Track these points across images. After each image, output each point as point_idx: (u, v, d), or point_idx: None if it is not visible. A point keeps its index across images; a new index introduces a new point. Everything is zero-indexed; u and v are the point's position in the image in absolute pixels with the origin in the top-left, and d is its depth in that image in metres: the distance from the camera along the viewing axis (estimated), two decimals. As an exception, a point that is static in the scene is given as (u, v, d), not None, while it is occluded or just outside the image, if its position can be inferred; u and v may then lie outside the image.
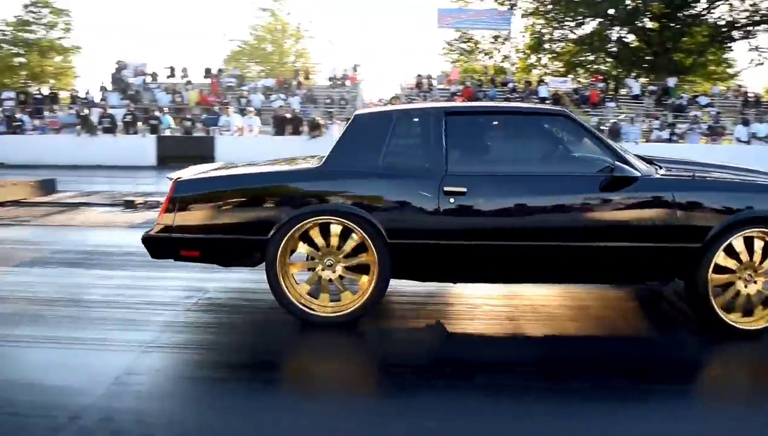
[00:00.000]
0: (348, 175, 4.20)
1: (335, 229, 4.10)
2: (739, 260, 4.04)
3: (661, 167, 4.47)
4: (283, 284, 4.16)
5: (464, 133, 4.40)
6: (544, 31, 36.20)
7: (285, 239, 4.09)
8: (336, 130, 19.43)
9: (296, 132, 18.77)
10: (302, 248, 4.23)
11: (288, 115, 19.44)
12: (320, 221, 4.11)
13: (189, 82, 27.37)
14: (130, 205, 9.23)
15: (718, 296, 4.08)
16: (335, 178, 4.20)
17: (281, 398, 3.37)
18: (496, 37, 39.57)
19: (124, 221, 8.22)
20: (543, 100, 24.41)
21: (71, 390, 3.33)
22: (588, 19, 33.44)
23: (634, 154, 4.48)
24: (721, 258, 4.01)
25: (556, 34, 35.99)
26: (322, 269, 4.18)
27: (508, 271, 4.32)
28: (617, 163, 4.03)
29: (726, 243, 4.00)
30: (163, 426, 2.99)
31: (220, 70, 29.70)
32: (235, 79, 28.73)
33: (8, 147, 18.27)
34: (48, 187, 10.63)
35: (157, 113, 19.71)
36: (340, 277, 4.21)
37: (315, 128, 18.34)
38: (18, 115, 21.27)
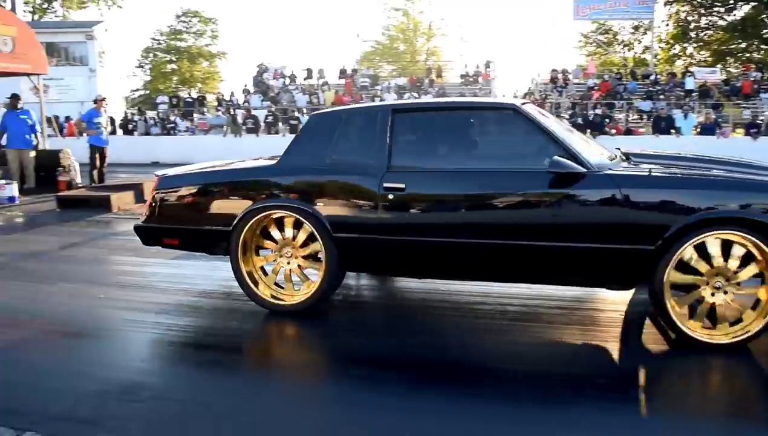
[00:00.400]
0: (298, 172, 4.40)
1: (288, 222, 4.36)
2: (704, 266, 3.62)
3: (636, 164, 4.21)
4: (244, 273, 4.47)
5: (410, 130, 4.41)
6: (689, 18, 34.01)
7: (243, 231, 4.39)
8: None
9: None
10: (268, 242, 4.51)
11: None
12: (275, 215, 4.38)
13: (325, 83, 28.24)
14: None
15: (680, 303, 3.73)
16: (287, 175, 4.41)
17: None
18: (636, 27, 37.74)
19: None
20: (689, 92, 22.91)
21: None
22: (740, 4, 30.99)
23: (605, 150, 4.38)
24: (679, 262, 3.62)
25: (703, 21, 33.74)
26: (285, 261, 4.45)
27: (445, 267, 4.25)
28: (556, 157, 3.73)
29: (685, 246, 3.59)
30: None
31: (354, 71, 30.37)
32: (369, 79, 29.29)
33: (162, 147, 19.67)
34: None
35: (295, 113, 20.41)
36: (299, 266, 4.45)
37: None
38: (171, 118, 22.89)
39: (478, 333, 4.14)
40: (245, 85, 28.78)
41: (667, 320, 3.74)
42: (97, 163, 11.63)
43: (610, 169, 3.86)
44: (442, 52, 48.00)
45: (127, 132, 22.79)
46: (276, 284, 4.55)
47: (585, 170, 3.75)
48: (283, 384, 3.49)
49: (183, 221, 4.73)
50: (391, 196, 4.06)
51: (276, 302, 4.48)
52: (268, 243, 4.51)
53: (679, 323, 3.67)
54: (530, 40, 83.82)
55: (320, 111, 5.13)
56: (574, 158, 3.78)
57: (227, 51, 54.59)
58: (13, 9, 34.14)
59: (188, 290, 5.17)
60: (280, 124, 20.68)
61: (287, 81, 29.00)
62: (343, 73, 29.68)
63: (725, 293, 3.61)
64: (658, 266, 3.63)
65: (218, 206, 4.55)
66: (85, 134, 12.73)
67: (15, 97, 11.46)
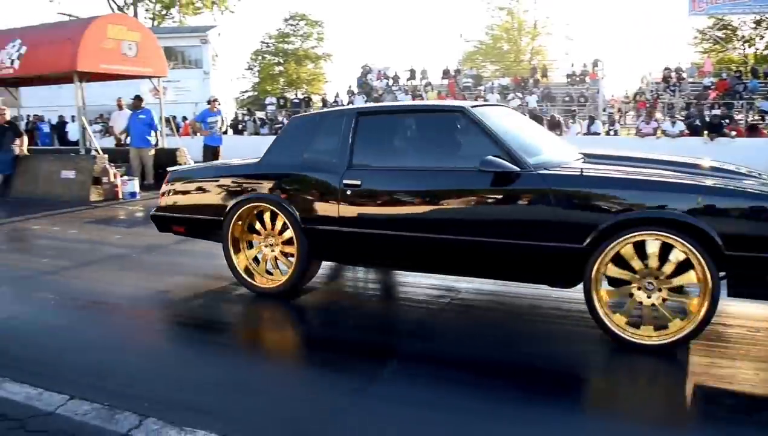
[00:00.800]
0: (275, 168, 4.90)
1: (267, 215, 4.89)
2: (631, 267, 3.67)
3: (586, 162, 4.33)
4: (233, 258, 5.05)
5: (371, 130, 4.69)
6: (818, 11, 31.49)
7: (231, 221, 4.98)
8: (576, 129, 18.66)
9: (535, 131, 18.29)
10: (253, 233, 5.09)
11: (525, 115, 19.03)
12: (255, 208, 4.94)
13: (428, 84, 28.23)
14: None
15: (609, 302, 3.81)
16: (265, 172, 4.93)
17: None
18: (758, 22, 35.38)
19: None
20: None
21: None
22: None
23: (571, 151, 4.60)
24: (607, 261, 3.69)
25: (834, 14, 31.13)
26: (266, 248, 5.00)
27: (397, 258, 4.65)
28: (488, 157, 3.89)
29: (614, 244, 3.64)
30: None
31: (457, 71, 30.20)
32: (472, 80, 29.01)
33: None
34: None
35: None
36: (283, 253, 4.92)
37: (554, 127, 17.76)
38: (279, 118, 23.56)
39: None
40: (349, 87, 29.24)
41: (594, 316, 3.80)
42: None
43: (545, 169, 3.94)
44: (548, 51, 46.85)
45: (237, 132, 23.64)
46: (267, 272, 5.11)
47: (518, 169, 3.89)
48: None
49: (187, 211, 5.42)
50: (348, 192, 4.46)
51: (260, 284, 5.03)
52: (259, 235, 5.03)
53: (605, 321, 3.76)
54: (641, 38, 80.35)
55: (299, 114, 5.63)
56: (511, 158, 3.93)
57: (332, 53, 55.56)
58: (135, 16, 36.31)
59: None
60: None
61: (390, 82, 29.22)
62: (446, 73, 29.57)
63: (653, 295, 3.65)
64: (587, 264, 3.71)
65: (213, 198, 5.16)
66: (199, 134, 13.32)
67: (138, 99, 12.14)
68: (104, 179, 10.88)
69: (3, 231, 8.40)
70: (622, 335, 3.71)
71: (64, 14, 36.56)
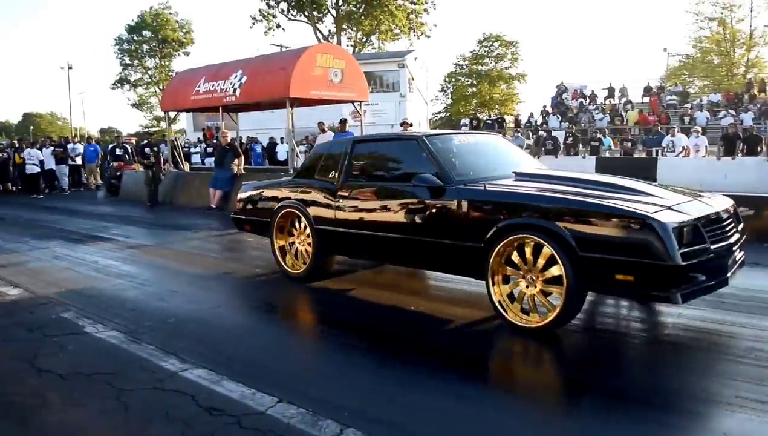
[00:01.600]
0: (299, 184, 6.62)
1: (293, 218, 6.61)
2: (516, 262, 4.55)
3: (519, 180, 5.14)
4: (276, 251, 6.78)
5: (361, 155, 6.14)
6: None
7: (275, 222, 6.71)
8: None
9: (751, 152, 16.61)
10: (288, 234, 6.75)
11: (740, 134, 17.34)
12: (286, 212, 6.61)
13: (628, 102, 26.88)
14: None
15: (502, 291, 4.67)
16: (293, 186, 6.68)
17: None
18: None
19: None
20: None
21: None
22: None
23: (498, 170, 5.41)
24: (498, 256, 4.60)
25: None
26: (298, 244, 6.59)
27: (370, 252, 6.11)
28: (422, 175, 5.08)
29: (501, 245, 4.55)
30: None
31: (660, 88, 28.47)
32: (677, 97, 27.17)
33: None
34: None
35: (597, 135, 19.72)
36: (306, 251, 6.46)
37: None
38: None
39: None
40: (543, 106, 28.71)
41: (493, 304, 4.71)
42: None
43: (464, 184, 5.00)
44: (766, 63, 42.51)
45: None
46: (294, 258, 6.66)
47: (443, 185, 5.02)
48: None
49: (250, 214, 7.26)
50: (340, 202, 5.94)
51: (291, 271, 6.60)
52: (292, 232, 6.68)
53: (499, 308, 4.68)
54: None
55: (321, 143, 7.46)
56: (442, 176, 5.08)
57: (527, 73, 54.96)
58: (338, 44, 38.68)
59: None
60: (580, 145, 20.11)
61: (587, 101, 28.25)
62: (647, 90, 28.03)
63: (532, 287, 4.51)
64: (485, 260, 4.66)
65: (263, 206, 7.01)
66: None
67: (343, 122, 12.91)
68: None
69: (222, 242, 9.32)
70: (514, 320, 4.60)
71: (276, 45, 40.07)
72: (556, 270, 4.32)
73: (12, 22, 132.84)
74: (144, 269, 7.65)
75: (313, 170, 6.50)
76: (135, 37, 54.83)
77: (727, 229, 4.49)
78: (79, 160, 21.29)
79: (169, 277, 7.29)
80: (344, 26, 44.53)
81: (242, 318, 5.44)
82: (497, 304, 4.67)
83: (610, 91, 28.79)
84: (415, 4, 43.14)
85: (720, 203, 4.70)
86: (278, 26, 44.18)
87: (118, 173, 17.98)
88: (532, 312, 4.54)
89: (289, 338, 4.83)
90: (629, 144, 20.06)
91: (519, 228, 4.50)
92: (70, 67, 51.97)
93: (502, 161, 5.84)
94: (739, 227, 4.81)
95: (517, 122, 28.89)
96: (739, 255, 4.67)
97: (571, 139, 19.78)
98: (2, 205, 16.22)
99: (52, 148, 20.40)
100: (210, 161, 18.99)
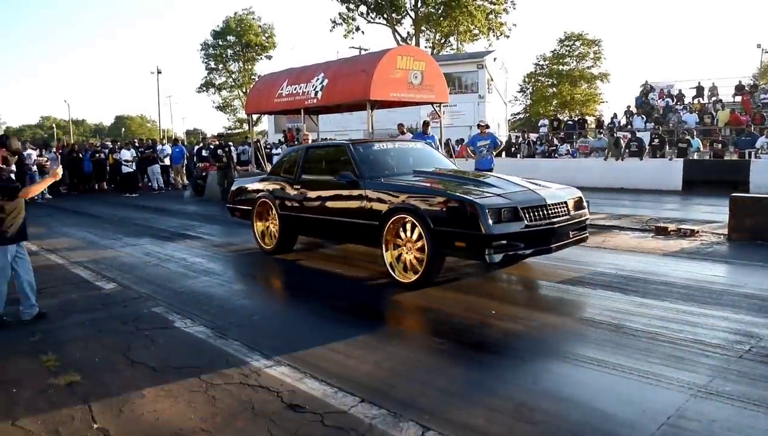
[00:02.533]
0: (271, 179, 8.43)
1: (267, 207, 8.30)
2: (401, 236, 6.28)
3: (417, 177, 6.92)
4: (257, 232, 8.57)
5: (311, 157, 8.01)
6: None
7: (254, 210, 8.49)
8: None
9: None
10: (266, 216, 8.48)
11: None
12: (262, 202, 8.36)
13: (718, 102, 25.66)
14: (662, 231, 8.97)
15: (392, 256, 6.39)
16: (267, 181, 8.47)
17: None
18: None
19: (657, 248, 8.01)
20: None
21: (622, 421, 3.29)
22: None
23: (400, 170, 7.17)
24: (388, 231, 6.35)
25: None
26: (271, 226, 8.34)
27: (314, 231, 7.99)
28: (342, 172, 6.95)
29: (389, 222, 6.31)
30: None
31: (753, 86, 27.04)
32: (774, 96, 25.70)
33: (543, 169, 20.02)
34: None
35: (685, 136, 18.93)
36: (275, 231, 8.26)
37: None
38: (555, 141, 23.27)
39: None
40: (628, 107, 27.80)
41: (387, 266, 6.40)
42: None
43: (370, 179, 6.77)
44: None
45: (510, 154, 23.83)
46: (269, 237, 8.43)
47: (356, 179, 6.81)
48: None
49: (240, 204, 9.08)
50: (295, 193, 7.79)
51: (265, 247, 8.44)
52: (267, 217, 8.43)
53: (389, 270, 6.38)
54: None
55: (293, 146, 9.55)
56: (356, 174, 6.88)
57: (609, 72, 53.43)
58: (417, 46, 38.70)
59: (575, 316, 5.10)
60: (666, 147, 19.34)
61: (673, 100, 27.16)
62: (739, 89, 26.68)
63: (410, 253, 6.19)
64: (381, 234, 6.36)
65: (246, 198, 8.85)
66: (467, 159, 13.65)
67: (426, 124, 12.90)
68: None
69: (300, 240, 9.47)
70: (399, 278, 6.31)
71: (355, 48, 40.48)
72: (421, 241, 6.00)
73: (108, 31, 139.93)
74: (228, 267, 7.89)
75: (281, 169, 8.50)
76: (220, 42, 56.57)
77: (551, 213, 5.99)
78: (167, 161, 22.21)
79: (252, 274, 7.49)
80: (423, 28, 44.50)
81: (324, 316, 5.52)
82: (388, 266, 6.43)
83: (699, 90, 27.53)
84: (494, 4, 42.66)
85: (555, 196, 6.25)
86: (357, 29, 44.66)
87: (203, 174, 18.61)
88: (409, 271, 6.23)
89: (380, 340, 4.86)
90: (719, 145, 19.16)
91: (399, 210, 6.22)
92: (159, 72, 54.12)
93: (411, 163, 7.57)
94: (574, 213, 6.36)
95: (599, 123, 28.10)
96: (572, 233, 6.32)
97: (657, 140, 19.05)
98: (98, 204, 17.08)
99: (132, 150, 21.39)
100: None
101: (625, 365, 4.01)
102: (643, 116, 25.63)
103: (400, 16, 44.41)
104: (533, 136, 26.34)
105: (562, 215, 6.12)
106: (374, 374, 4.04)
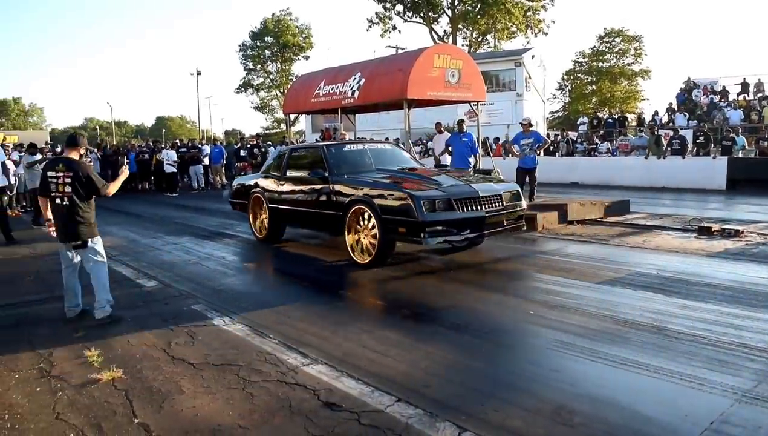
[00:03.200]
0: (260, 176, 9.69)
1: (260, 201, 9.45)
2: (360, 223, 7.37)
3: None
4: (252, 223, 9.83)
5: (294, 157, 9.23)
6: None
7: (249, 203, 9.76)
8: None
9: None
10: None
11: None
12: (255, 196, 9.59)
13: (765, 98, 24.95)
14: (705, 231, 8.77)
15: (352, 240, 7.50)
16: (260, 178, 9.59)
17: None
18: None
19: (700, 249, 7.83)
20: None
21: (664, 425, 3.22)
22: None
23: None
24: (350, 220, 7.46)
25: None
26: (264, 218, 9.48)
27: (295, 221, 9.02)
28: (315, 169, 8.19)
29: (351, 211, 7.42)
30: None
31: (803, 82, 26.18)
32: (824, 91, 24.88)
33: (582, 168, 19.78)
34: (622, 208, 10.97)
35: (730, 133, 18.46)
36: (266, 222, 9.44)
37: None
38: (596, 139, 22.92)
39: None
40: (669, 104, 27.23)
41: (348, 250, 7.48)
42: (524, 184, 12.12)
43: (337, 175, 7.90)
44: None
45: (548, 153, 23.54)
46: (262, 228, 9.61)
47: (327, 176, 7.95)
48: None
49: (238, 198, 10.26)
50: (280, 188, 8.93)
51: (258, 236, 9.63)
52: (259, 210, 9.62)
53: (350, 252, 7.48)
54: None
55: (277, 149, 12.67)
56: (327, 171, 8.02)
57: (651, 68, 52.38)
58: (454, 44, 38.50)
59: (615, 317, 5.02)
60: (711, 145, 18.88)
61: (717, 97, 26.49)
62: (786, 85, 25.88)
63: (367, 238, 7.26)
64: (343, 222, 7.47)
65: (244, 192, 9.99)
66: (511, 156, 13.53)
67: (461, 123, 12.83)
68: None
69: (338, 240, 9.49)
70: (357, 259, 7.36)
71: (392, 47, 40.47)
72: (375, 229, 7.08)
73: (148, 33, 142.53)
74: (266, 265, 7.98)
75: (271, 167, 9.65)
76: (258, 43, 57.11)
77: (483, 204, 6.99)
78: (206, 161, 22.55)
79: (290, 274, 7.55)
80: (460, 26, 44.20)
81: (363, 315, 5.53)
82: (349, 248, 7.51)
83: (744, 87, 26.76)
84: (532, 0, 42.18)
85: (490, 189, 7.28)
86: (394, 28, 44.55)
87: (242, 173, 18.84)
88: (365, 253, 7.30)
89: (418, 340, 4.85)
90: (765, 143, 18.64)
91: (358, 202, 7.31)
92: (198, 74, 54.81)
93: (378, 162, 8.54)
94: (508, 204, 7.32)
95: (640, 121, 27.58)
96: (507, 222, 7.33)
97: (702, 138, 18.61)
98: (139, 203, 17.42)
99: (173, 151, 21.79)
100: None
101: (667, 368, 3.94)
102: (686, 114, 25.06)
103: (436, 15, 44.19)
104: (572, 134, 25.98)
105: (496, 206, 7.12)
106: (410, 374, 4.03)
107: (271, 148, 20.05)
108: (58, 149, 19.24)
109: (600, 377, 3.91)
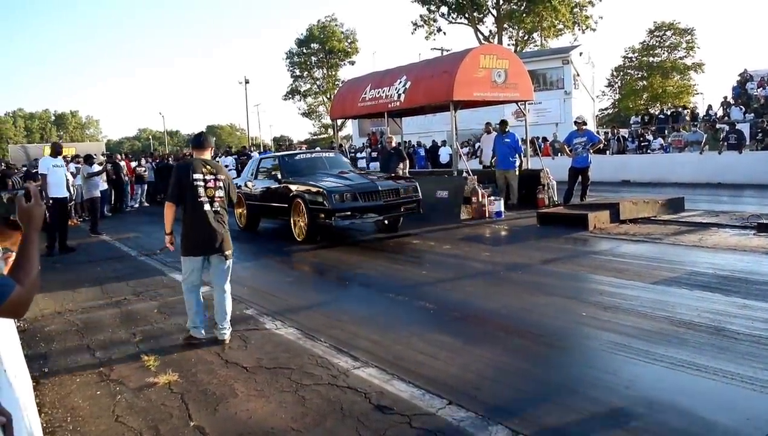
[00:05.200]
0: (244, 180, 11.83)
1: (240, 199, 11.39)
2: (297, 211, 9.87)
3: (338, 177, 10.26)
4: (236, 215, 11.92)
5: (262, 164, 11.68)
6: None
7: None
8: None
9: None
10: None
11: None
12: (239, 196, 10.96)
13: (827, 89, 23.99)
14: (764, 228, 8.45)
15: (295, 224, 9.99)
16: (243, 181, 11.80)
17: None
18: None
19: (759, 246, 7.54)
20: None
21: (725, 429, 3.13)
22: None
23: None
24: (292, 209, 9.94)
25: None
26: (243, 211, 11.94)
27: (261, 214, 11.42)
28: (274, 173, 10.84)
29: (293, 203, 9.88)
30: None
31: None
32: None
33: (634, 166, 19.35)
34: (676, 205, 10.68)
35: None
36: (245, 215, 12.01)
37: None
38: (647, 136, 22.40)
39: None
40: (724, 98, 26.41)
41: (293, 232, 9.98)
42: (575, 183, 11.94)
43: (288, 178, 10.31)
44: None
45: (599, 151, 23.09)
46: (243, 220, 12.02)
47: (281, 178, 10.46)
48: None
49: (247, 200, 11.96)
50: (251, 189, 11.52)
51: (240, 226, 11.75)
52: (241, 205, 11.79)
53: (294, 232, 9.93)
54: None
55: (257, 156, 15.67)
56: (283, 176, 10.44)
57: (704, 62, 50.90)
58: (499, 44, 38.18)
59: (671, 318, 4.89)
60: (768, 139, 18.22)
61: (775, 89, 25.56)
62: None
63: (303, 222, 9.82)
64: (289, 212, 10.00)
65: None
66: (563, 155, 13.33)
67: (504, 123, 12.72)
68: (473, 199, 11.60)
69: (389, 244, 9.55)
70: (297, 238, 9.79)
71: (437, 49, 40.36)
72: (306, 216, 9.49)
73: (198, 45, 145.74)
74: (315, 270, 8.03)
75: (249, 172, 11.91)
76: (304, 50, 57.71)
77: (382, 195, 9.47)
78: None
79: (337, 278, 7.59)
80: (505, 25, 43.77)
81: (412, 318, 5.52)
82: (294, 231, 9.87)
83: (804, 77, 25.81)
84: (579, -3, 41.49)
85: (389, 185, 9.78)
86: (439, 30, 44.43)
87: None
88: (301, 234, 9.71)
89: (461, 341, 4.82)
90: (828, 136, 17.90)
91: (296, 196, 9.72)
92: (247, 82, 55.66)
93: (322, 166, 10.88)
94: (404, 196, 9.74)
95: (694, 116, 26.82)
96: (403, 208, 9.80)
97: (760, 133, 17.96)
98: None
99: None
100: (374, 166, 19.54)
101: (727, 369, 3.82)
102: (742, 107, 24.26)
103: (481, 15, 43.88)
104: (623, 131, 25.45)
105: (392, 197, 9.63)
106: (461, 377, 4.01)
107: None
108: (101, 158, 19.67)
109: (657, 380, 3.81)
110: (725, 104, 25.51)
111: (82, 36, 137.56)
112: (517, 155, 12.66)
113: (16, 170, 15.42)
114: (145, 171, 20.03)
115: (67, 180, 11.36)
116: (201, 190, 4.92)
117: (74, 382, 4.36)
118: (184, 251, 5.04)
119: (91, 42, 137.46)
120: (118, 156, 21.99)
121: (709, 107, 26.25)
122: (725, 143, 17.45)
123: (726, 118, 22.86)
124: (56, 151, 10.97)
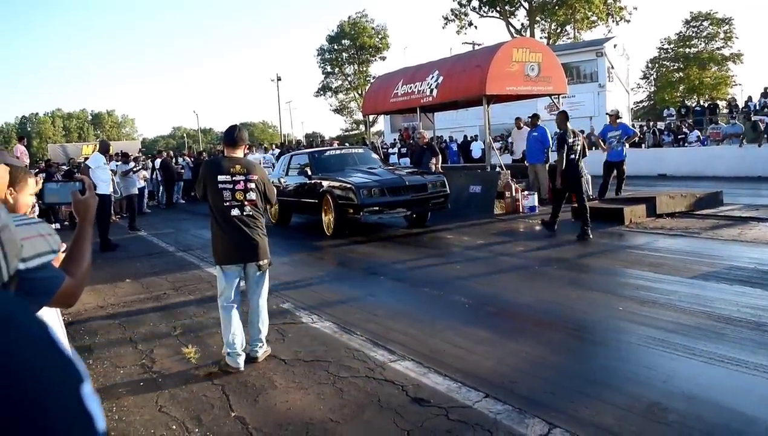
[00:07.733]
0: (276, 176, 11.94)
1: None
2: (329, 206, 10.07)
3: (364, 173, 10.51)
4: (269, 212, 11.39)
5: (294, 160, 11.95)
6: None
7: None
8: None
9: None
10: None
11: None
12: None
13: None
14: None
15: (325, 218, 10.25)
16: (277, 178, 11.66)
17: None
18: None
19: (801, 240, 7.41)
20: None
21: (766, 425, 3.10)
22: None
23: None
24: (324, 204, 10.18)
25: None
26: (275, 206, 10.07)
27: (292, 210, 11.83)
28: (304, 170, 10.91)
29: (324, 199, 10.13)
30: None
31: None
32: None
33: (670, 159, 19.03)
34: (714, 199, 10.50)
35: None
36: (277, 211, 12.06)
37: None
38: (684, 129, 22.01)
39: None
40: (765, 88, 25.80)
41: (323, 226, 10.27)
42: (611, 177, 11.81)
43: (319, 174, 10.60)
44: None
45: (634, 144, 22.75)
46: (274, 215, 12.12)
47: (311, 175, 10.62)
48: None
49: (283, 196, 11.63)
50: (282, 184, 11.34)
51: (273, 221, 11.73)
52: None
53: (324, 227, 10.23)
54: None
55: (286, 155, 14.38)
56: (312, 172, 10.64)
57: (743, 52, 49.70)
58: (531, 37, 37.81)
59: (710, 313, 4.84)
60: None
61: (820, 79, 24.90)
62: None
63: (332, 216, 10.04)
64: (320, 207, 10.28)
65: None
66: (599, 150, 13.19)
67: (535, 117, 12.63)
68: (507, 194, 11.55)
69: (422, 239, 9.58)
70: (327, 232, 10.02)
71: (468, 43, 40.16)
72: (334, 211, 9.70)
73: (230, 43, 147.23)
74: (349, 264, 8.09)
75: (280, 168, 12.27)
76: (335, 47, 57.87)
77: (410, 190, 9.70)
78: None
79: (372, 272, 7.64)
80: (537, 18, 43.36)
81: (448, 312, 5.55)
82: (324, 225, 10.08)
83: None
84: (613, -12, 40.88)
85: (417, 180, 10.03)
86: (470, 24, 44.16)
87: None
88: (330, 228, 9.94)
89: (499, 336, 4.83)
90: None
91: (325, 192, 9.95)
92: (279, 79, 56.00)
93: (349, 163, 11.12)
94: (432, 190, 9.93)
95: (732, 107, 26.26)
96: (431, 204, 10.03)
97: (801, 124, 17.51)
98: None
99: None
100: (405, 161, 19.55)
101: (766, 365, 3.77)
102: (783, 98, 23.70)
103: (513, 8, 43.51)
104: (660, 124, 25.04)
105: (420, 192, 9.84)
106: (497, 370, 4.03)
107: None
108: (135, 156, 19.99)
109: (695, 374, 3.79)
110: (765, 95, 24.93)
111: (114, 36, 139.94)
112: (546, 149, 12.56)
113: (57, 168, 15.79)
114: (182, 168, 20.34)
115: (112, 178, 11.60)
116: (227, 194, 4.36)
117: (118, 373, 4.49)
118: (216, 260, 4.60)
119: (126, 42, 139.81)
120: (170, 153, 22.41)
121: (749, 99, 25.68)
122: (766, 135, 17.06)
123: (766, 109, 22.35)
124: (104, 149, 11.18)
